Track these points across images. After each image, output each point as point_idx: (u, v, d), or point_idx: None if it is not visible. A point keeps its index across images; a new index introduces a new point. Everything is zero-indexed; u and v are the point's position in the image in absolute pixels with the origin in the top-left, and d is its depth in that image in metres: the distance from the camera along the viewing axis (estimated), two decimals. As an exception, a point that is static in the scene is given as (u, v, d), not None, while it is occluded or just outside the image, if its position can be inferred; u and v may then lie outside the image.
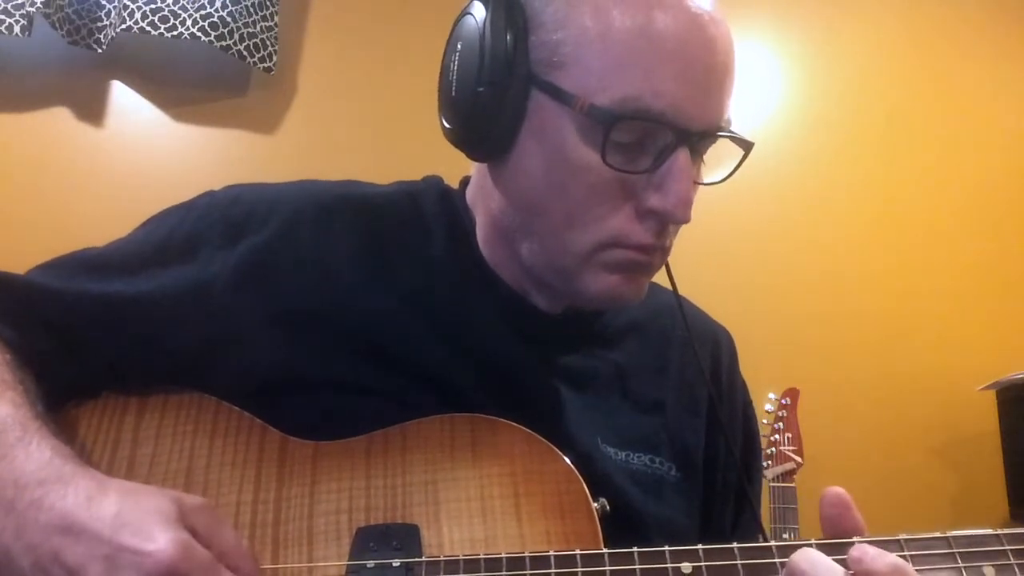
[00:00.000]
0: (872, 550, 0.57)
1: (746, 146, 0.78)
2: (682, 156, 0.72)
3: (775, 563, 0.61)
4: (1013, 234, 2.34)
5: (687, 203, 0.73)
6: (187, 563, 0.58)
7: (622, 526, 0.72)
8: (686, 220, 0.74)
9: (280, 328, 0.79)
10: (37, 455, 0.65)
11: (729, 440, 0.88)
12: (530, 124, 0.75)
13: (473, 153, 0.81)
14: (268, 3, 2.16)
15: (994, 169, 2.38)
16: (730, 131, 0.76)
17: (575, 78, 0.72)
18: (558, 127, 0.73)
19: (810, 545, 0.60)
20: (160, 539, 0.58)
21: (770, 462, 1.95)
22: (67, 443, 0.70)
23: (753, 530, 0.90)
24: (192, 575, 0.58)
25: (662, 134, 0.72)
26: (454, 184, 0.92)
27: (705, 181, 0.78)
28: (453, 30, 0.80)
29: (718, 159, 0.80)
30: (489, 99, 0.74)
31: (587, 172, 0.73)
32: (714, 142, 0.76)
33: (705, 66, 0.72)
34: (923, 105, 2.42)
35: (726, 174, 0.80)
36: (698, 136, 0.74)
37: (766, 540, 0.62)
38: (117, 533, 0.59)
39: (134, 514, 0.60)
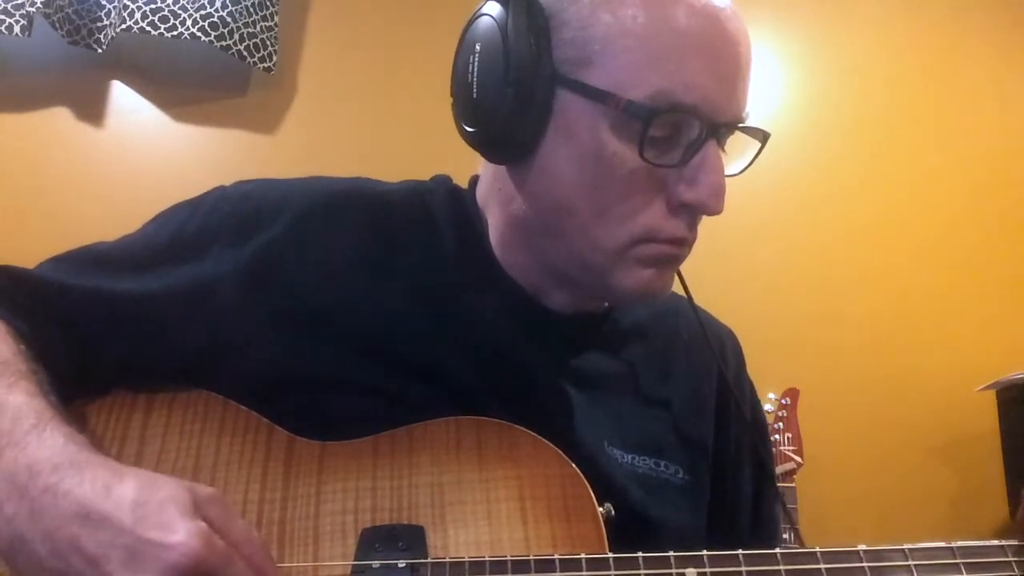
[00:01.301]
0: None
1: (763, 137, 0.79)
2: (712, 148, 0.74)
3: (779, 570, 0.61)
4: (1013, 234, 2.34)
5: (720, 194, 0.74)
6: (209, 554, 0.58)
7: (627, 528, 0.72)
8: (719, 211, 0.74)
9: (288, 326, 0.79)
10: (51, 442, 0.64)
11: (741, 438, 0.88)
12: (556, 123, 0.75)
13: (495, 155, 0.80)
14: (268, 3, 2.16)
15: (994, 169, 2.38)
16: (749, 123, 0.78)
17: (605, 75, 0.72)
18: (590, 125, 0.73)
19: (813, 551, 0.61)
20: (181, 531, 0.58)
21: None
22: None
23: (768, 530, 0.91)
24: (213, 566, 0.58)
25: (692, 127, 0.73)
26: (461, 183, 0.92)
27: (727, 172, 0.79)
28: (467, 32, 0.79)
29: (731, 150, 0.81)
30: (515, 100, 0.74)
31: (621, 168, 0.73)
32: (732, 133, 0.77)
33: (730, 58, 0.74)
34: (923, 105, 2.42)
35: (743, 165, 0.80)
36: (724, 128, 0.75)
37: (798, 536, 0.62)
38: (138, 524, 0.58)
39: (152, 504, 0.60)
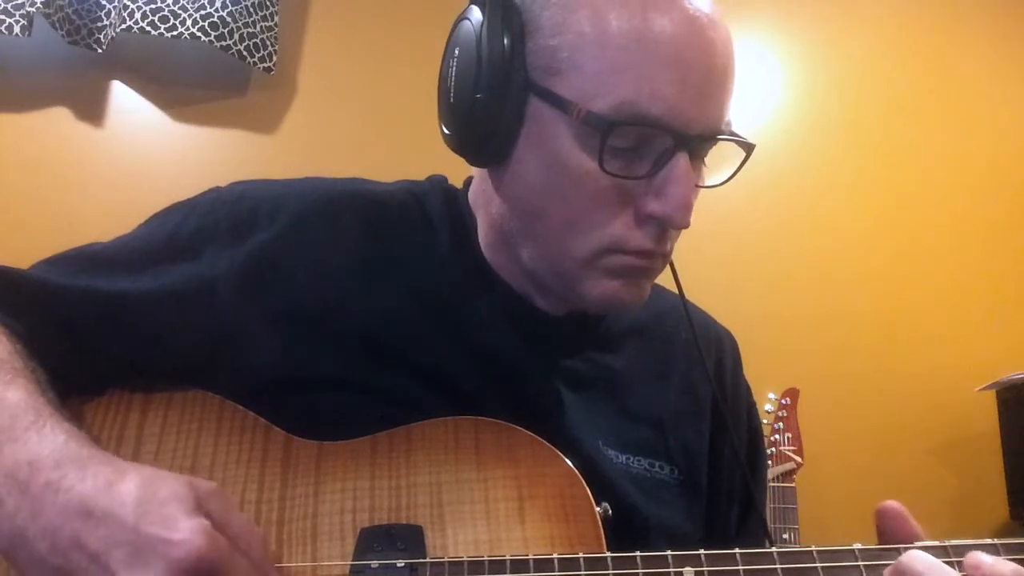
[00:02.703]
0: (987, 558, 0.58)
1: (747, 148, 0.78)
2: (681, 160, 0.72)
3: (776, 569, 0.61)
4: (1013, 234, 2.34)
5: (687, 208, 0.72)
6: (211, 550, 0.58)
7: (622, 528, 0.72)
8: (686, 225, 0.73)
9: (284, 327, 0.79)
10: (51, 438, 0.64)
11: (733, 442, 0.88)
12: (528, 131, 0.75)
13: (472, 159, 0.81)
14: (268, 3, 2.16)
15: (994, 169, 2.39)
16: (730, 133, 0.76)
17: (572, 84, 0.72)
18: (555, 134, 0.73)
19: (810, 550, 0.61)
20: (184, 527, 0.58)
21: (770, 462, 1.95)
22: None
23: (759, 533, 0.90)
24: (215, 562, 0.58)
25: (661, 138, 0.72)
26: (457, 184, 0.92)
27: (706, 183, 0.78)
28: (451, 35, 0.79)
29: (723, 159, 0.80)
30: (487, 106, 0.74)
31: (585, 179, 0.72)
32: (714, 145, 0.76)
33: (703, 69, 0.72)
34: (922, 105, 2.42)
35: (726, 176, 0.79)
36: (697, 140, 0.73)
37: (772, 544, 0.62)
38: (141, 520, 0.58)
39: (155, 500, 0.59)
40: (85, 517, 0.59)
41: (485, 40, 0.73)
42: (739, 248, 2.27)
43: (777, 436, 1.99)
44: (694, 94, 0.71)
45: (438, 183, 0.91)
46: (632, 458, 0.83)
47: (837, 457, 2.14)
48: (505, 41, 0.73)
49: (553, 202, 0.75)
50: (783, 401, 2.05)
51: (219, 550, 0.59)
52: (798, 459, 1.95)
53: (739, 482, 0.91)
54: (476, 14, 0.76)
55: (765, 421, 1.99)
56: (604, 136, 0.70)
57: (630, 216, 0.74)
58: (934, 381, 2.23)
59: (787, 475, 1.93)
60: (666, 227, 0.74)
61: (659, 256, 0.77)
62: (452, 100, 0.77)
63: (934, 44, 2.45)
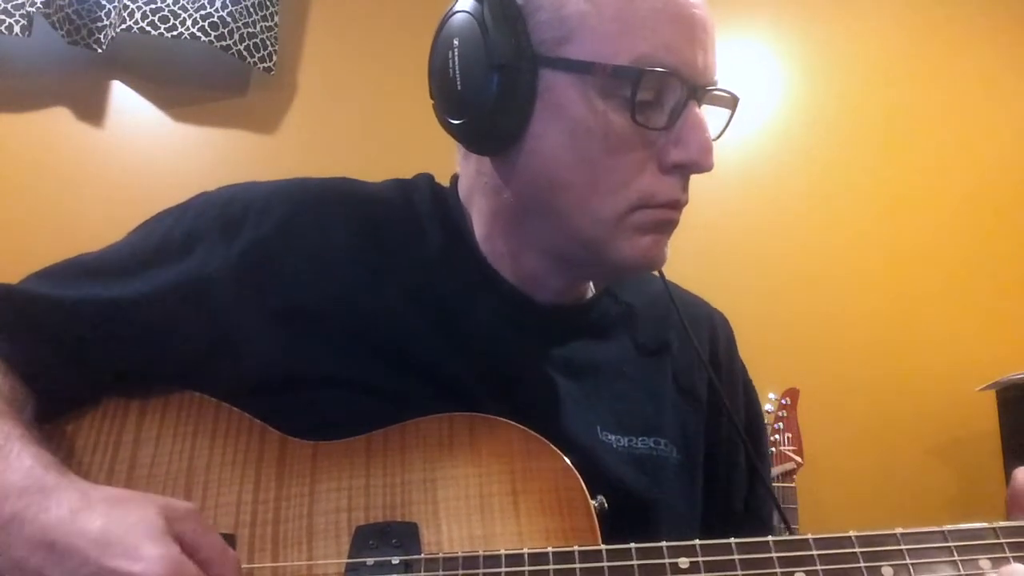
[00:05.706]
0: None
1: (733, 102, 0.82)
2: (695, 108, 0.76)
3: (771, 558, 0.61)
4: (1013, 234, 2.34)
5: (710, 150, 0.76)
6: None
7: (626, 513, 0.72)
8: (711, 167, 0.76)
9: (280, 325, 0.79)
10: (17, 464, 0.64)
11: (734, 420, 0.88)
12: (543, 103, 0.76)
13: (484, 145, 0.81)
14: (268, 3, 2.16)
15: (994, 169, 2.38)
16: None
17: (586, 47, 0.74)
18: (577, 97, 0.75)
19: (806, 538, 0.61)
20: (147, 555, 0.58)
21: (770, 462, 1.95)
22: (67, 448, 0.70)
23: (763, 511, 0.91)
24: None
25: (674, 90, 0.75)
26: (444, 181, 0.92)
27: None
28: (441, 31, 0.81)
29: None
30: (501, 86, 0.75)
31: (612, 135, 0.75)
32: (706, 96, 0.79)
33: (700, 23, 0.76)
34: (923, 104, 2.42)
35: (718, 132, 0.82)
36: (703, 89, 0.77)
37: (784, 517, 0.62)
38: (103, 553, 0.58)
39: (120, 529, 0.59)
40: (48, 550, 0.59)
41: (489, 24, 0.75)
42: (738, 248, 2.27)
43: (777, 436, 1.99)
44: (697, 46, 0.76)
45: (425, 180, 0.92)
46: (635, 439, 0.83)
47: (837, 457, 2.14)
48: (507, 23, 0.75)
49: (578, 168, 0.76)
50: (783, 401, 2.05)
51: None
52: (798, 459, 1.95)
53: (741, 462, 0.92)
54: (471, 4, 0.77)
55: (765, 421, 1.99)
56: (635, 86, 0.73)
57: (654, 169, 0.77)
58: (934, 381, 2.23)
59: (787, 475, 1.93)
60: (688, 176, 0.78)
61: (681, 207, 0.79)
62: (459, 88, 0.78)
63: (934, 44, 2.45)
